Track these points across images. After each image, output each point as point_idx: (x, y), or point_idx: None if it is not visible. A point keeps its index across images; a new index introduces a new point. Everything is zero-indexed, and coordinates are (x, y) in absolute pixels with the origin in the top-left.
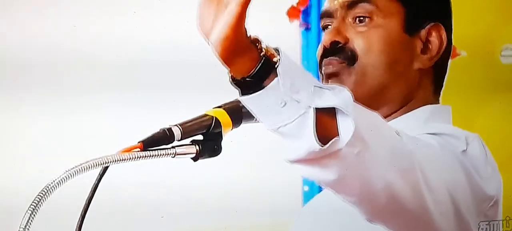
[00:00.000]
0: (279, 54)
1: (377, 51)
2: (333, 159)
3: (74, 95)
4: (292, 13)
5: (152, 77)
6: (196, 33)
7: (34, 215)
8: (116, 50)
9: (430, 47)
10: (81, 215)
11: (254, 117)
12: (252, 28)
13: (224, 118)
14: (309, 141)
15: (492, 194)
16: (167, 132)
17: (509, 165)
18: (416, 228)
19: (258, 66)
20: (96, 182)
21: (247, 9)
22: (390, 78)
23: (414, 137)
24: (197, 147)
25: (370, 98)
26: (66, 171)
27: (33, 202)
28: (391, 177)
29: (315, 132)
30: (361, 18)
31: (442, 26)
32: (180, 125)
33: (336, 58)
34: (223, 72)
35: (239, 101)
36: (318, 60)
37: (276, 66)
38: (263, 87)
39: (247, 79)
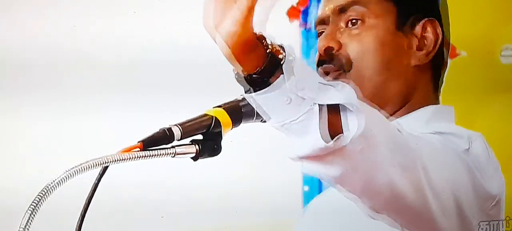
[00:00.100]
0: (284, 51)
1: (371, 53)
2: (337, 155)
3: (74, 95)
4: (292, 13)
5: (152, 77)
6: (196, 33)
7: (34, 215)
8: (116, 50)
9: (426, 42)
10: (81, 215)
11: (254, 117)
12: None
13: (224, 117)
14: (314, 138)
15: (495, 193)
16: (167, 131)
17: (509, 165)
18: (417, 225)
19: (265, 64)
20: (96, 182)
21: (255, 5)
22: (387, 78)
23: (416, 135)
24: (197, 147)
25: (370, 101)
26: (66, 171)
27: (33, 202)
28: (393, 173)
29: (320, 128)
30: (354, 21)
31: (436, 21)
32: (180, 124)
33: (331, 66)
34: (223, 73)
35: (239, 101)
36: (316, 69)
37: (281, 63)
38: (269, 85)
39: (253, 76)
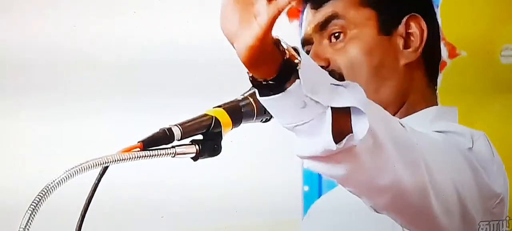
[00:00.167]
0: (299, 55)
1: (359, 63)
2: (345, 155)
3: (74, 95)
4: (292, 13)
5: (152, 77)
6: (196, 33)
7: (34, 215)
8: (116, 50)
9: (412, 39)
10: (81, 215)
11: (254, 117)
12: None
13: (224, 117)
14: (326, 139)
15: (499, 191)
16: (167, 131)
17: (510, 165)
18: (418, 224)
19: (281, 70)
20: (96, 182)
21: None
22: (380, 83)
23: (419, 132)
24: (197, 147)
25: None
26: (66, 171)
27: (33, 202)
28: (397, 171)
29: (332, 129)
30: (336, 34)
31: (418, 16)
32: (180, 124)
33: None
34: (223, 73)
35: (239, 101)
36: None
37: (297, 68)
38: (284, 89)
39: (270, 82)
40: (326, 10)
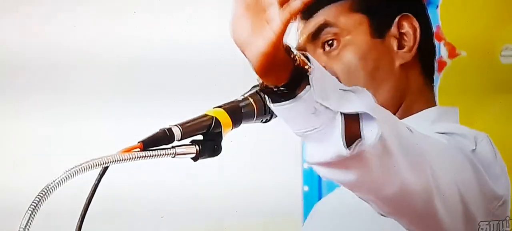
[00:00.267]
0: (309, 62)
1: (355, 68)
2: (355, 160)
3: (74, 96)
4: None
5: (152, 77)
6: (196, 33)
7: (34, 215)
8: (116, 50)
9: (406, 39)
10: (81, 215)
11: (254, 117)
12: None
13: (224, 118)
14: (337, 145)
15: (501, 193)
16: (167, 132)
17: (510, 165)
18: (422, 226)
19: (292, 77)
20: (96, 182)
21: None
22: (377, 87)
23: (424, 134)
24: (197, 147)
25: None
26: (66, 171)
27: (33, 202)
28: (404, 174)
29: (343, 135)
30: (330, 42)
31: (410, 15)
32: (180, 125)
33: None
34: (223, 73)
35: (239, 101)
36: None
37: (308, 74)
38: (295, 95)
39: (281, 89)
40: (317, 20)
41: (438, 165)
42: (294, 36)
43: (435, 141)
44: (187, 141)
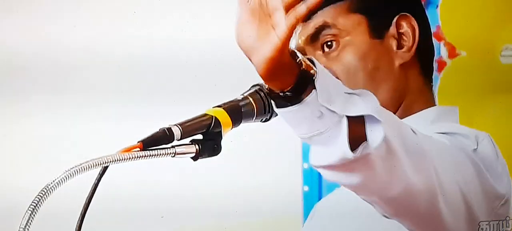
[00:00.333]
0: (315, 66)
1: (354, 69)
2: (360, 163)
3: (74, 95)
4: None
5: (152, 76)
6: (196, 33)
7: (34, 215)
8: (116, 50)
9: (405, 38)
10: (81, 215)
11: (254, 117)
12: None
13: (223, 117)
14: (342, 148)
15: (503, 192)
16: (166, 131)
17: (510, 165)
18: (425, 227)
19: (298, 81)
20: (96, 182)
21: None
22: (376, 87)
23: (427, 135)
24: (197, 147)
25: None
26: (66, 171)
27: (33, 202)
28: (409, 176)
29: (348, 138)
30: (329, 43)
31: (408, 15)
32: (180, 124)
33: None
34: (223, 72)
35: (239, 101)
36: None
37: (313, 78)
38: (301, 100)
39: (287, 93)
40: (315, 21)
41: (441, 166)
42: (292, 38)
43: (437, 141)
44: (187, 140)
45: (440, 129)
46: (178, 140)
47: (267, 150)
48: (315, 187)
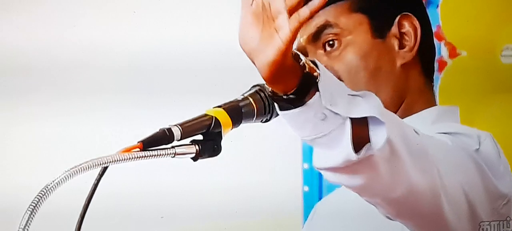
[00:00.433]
0: (318, 69)
1: (356, 69)
2: (364, 164)
3: (73, 95)
4: None
5: (152, 77)
6: (196, 33)
7: (34, 215)
8: (116, 50)
9: (406, 38)
10: (80, 215)
11: (254, 117)
12: None
13: (223, 117)
14: (346, 150)
15: (506, 192)
16: (166, 131)
17: (510, 165)
18: (428, 228)
19: (301, 83)
20: (96, 182)
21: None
22: (378, 87)
23: (429, 136)
24: (197, 147)
25: None
26: (66, 171)
27: (32, 202)
28: (412, 177)
29: (352, 140)
30: (331, 42)
31: (410, 14)
32: (180, 124)
33: None
34: (223, 72)
35: (239, 101)
36: None
37: (317, 81)
38: (304, 102)
39: (290, 96)
40: (317, 20)
41: (444, 166)
42: None
43: (440, 141)
44: (187, 140)
45: (442, 129)
46: (178, 140)
47: (267, 150)
48: (315, 187)
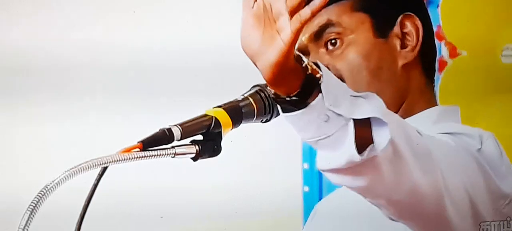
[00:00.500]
0: (320, 70)
1: (358, 68)
2: (367, 165)
3: (73, 96)
4: None
5: (152, 77)
6: (196, 33)
7: (33, 215)
8: (116, 50)
9: (408, 38)
10: (80, 215)
11: (254, 117)
12: None
13: (224, 117)
14: (349, 151)
15: (508, 192)
16: (166, 131)
17: None
18: (430, 227)
19: (303, 85)
20: (96, 182)
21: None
22: (380, 87)
23: (432, 136)
24: (197, 147)
25: None
26: (66, 171)
27: (32, 202)
28: (415, 178)
29: (355, 141)
30: (333, 41)
31: (412, 14)
32: (180, 125)
33: None
34: (223, 73)
35: (239, 101)
36: None
37: (320, 82)
38: (307, 104)
39: (293, 98)
40: (319, 19)
41: (446, 166)
42: None
43: (442, 142)
44: (187, 141)
45: (444, 129)
46: (178, 140)
47: (267, 150)
48: (315, 187)
